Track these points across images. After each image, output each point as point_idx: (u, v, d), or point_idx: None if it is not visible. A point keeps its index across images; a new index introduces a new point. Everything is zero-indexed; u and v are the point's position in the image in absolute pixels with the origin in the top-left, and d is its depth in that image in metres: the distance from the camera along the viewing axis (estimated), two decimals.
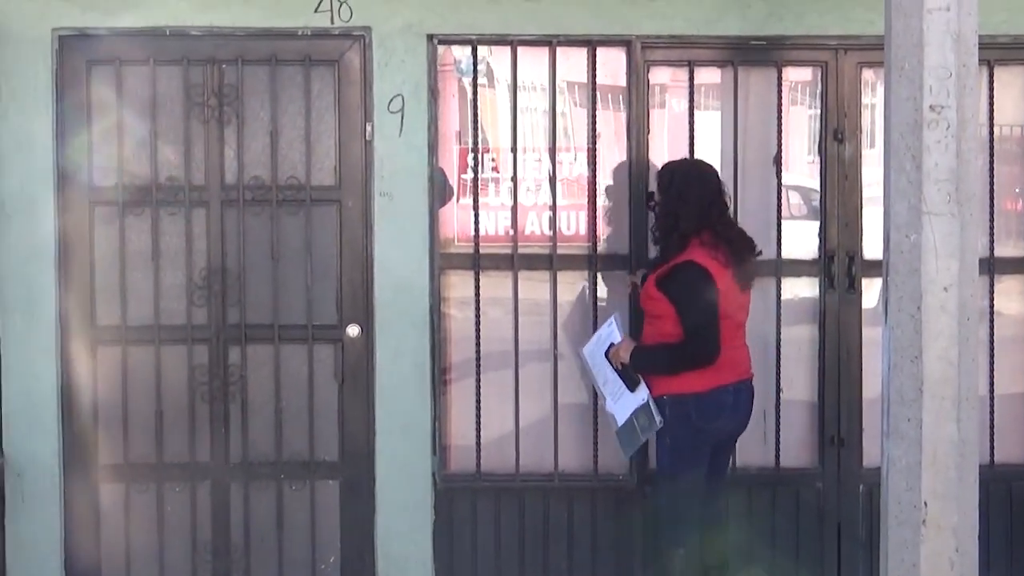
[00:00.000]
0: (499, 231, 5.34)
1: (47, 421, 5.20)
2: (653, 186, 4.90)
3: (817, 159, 5.37)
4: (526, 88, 5.32)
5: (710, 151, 5.30)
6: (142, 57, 5.18)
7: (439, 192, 5.25)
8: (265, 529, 5.31)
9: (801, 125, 5.47)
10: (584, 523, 5.33)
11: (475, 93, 5.29)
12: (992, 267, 5.36)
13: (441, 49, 5.25)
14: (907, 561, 3.86)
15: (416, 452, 5.27)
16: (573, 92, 5.36)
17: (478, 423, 5.33)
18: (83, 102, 5.19)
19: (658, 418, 4.60)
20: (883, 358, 3.95)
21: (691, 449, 4.67)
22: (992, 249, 5.37)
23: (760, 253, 4.86)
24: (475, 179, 5.31)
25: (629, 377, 4.70)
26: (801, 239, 5.41)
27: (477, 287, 5.30)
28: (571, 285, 5.37)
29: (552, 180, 5.30)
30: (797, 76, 5.41)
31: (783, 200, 5.36)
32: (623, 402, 4.74)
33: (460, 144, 5.35)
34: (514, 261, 5.30)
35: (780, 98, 5.31)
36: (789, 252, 5.36)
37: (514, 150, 5.30)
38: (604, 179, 5.33)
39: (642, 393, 4.65)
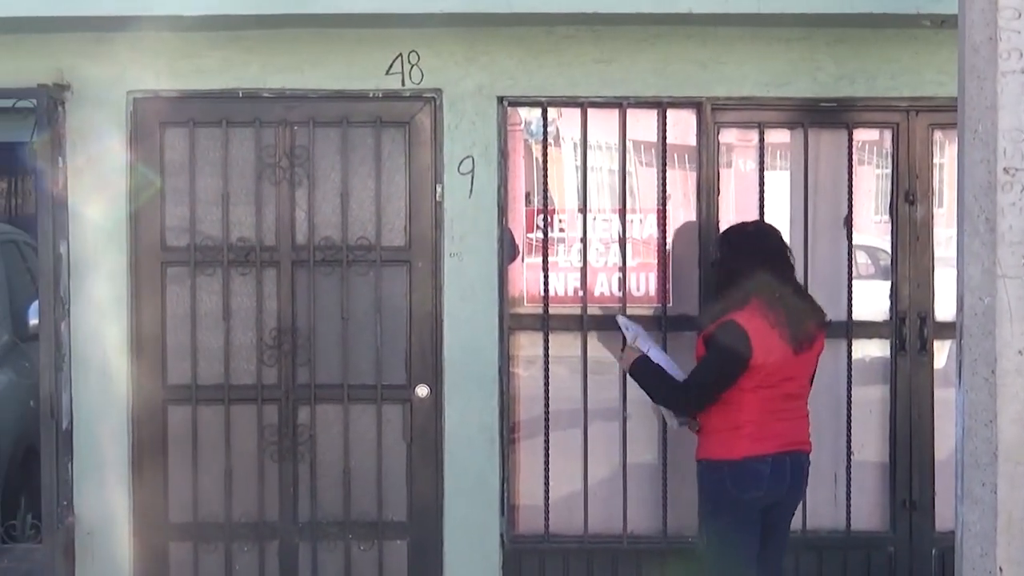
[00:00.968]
0: (567, 291, 5.34)
1: (118, 480, 5.22)
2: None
3: (885, 219, 5.36)
4: (593, 147, 5.34)
5: (779, 212, 5.29)
6: (215, 119, 5.24)
7: (508, 252, 5.27)
8: None
9: (870, 185, 5.46)
10: None
11: (545, 154, 5.31)
12: None
13: (511, 111, 5.28)
14: None
15: (484, 513, 5.26)
16: (640, 152, 5.36)
17: (546, 484, 5.31)
18: (156, 163, 5.25)
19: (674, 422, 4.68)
20: (957, 421, 3.91)
21: (732, 517, 4.47)
22: None
23: (829, 323, 4.66)
24: (544, 239, 5.32)
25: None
26: (871, 300, 5.38)
27: (546, 347, 5.31)
28: None
29: (622, 241, 5.31)
30: (867, 137, 5.41)
31: (853, 261, 5.34)
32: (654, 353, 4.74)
33: (528, 205, 5.36)
34: (583, 321, 5.30)
35: (851, 159, 5.31)
36: (860, 314, 5.33)
37: (583, 210, 5.31)
38: (673, 240, 5.33)
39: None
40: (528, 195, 5.36)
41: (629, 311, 5.25)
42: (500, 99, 5.23)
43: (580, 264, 5.32)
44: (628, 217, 5.32)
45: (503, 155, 5.25)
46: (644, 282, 5.35)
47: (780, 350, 4.39)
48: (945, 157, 5.42)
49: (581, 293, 5.31)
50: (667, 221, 5.31)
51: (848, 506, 5.33)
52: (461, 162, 5.23)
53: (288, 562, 5.30)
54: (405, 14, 4.89)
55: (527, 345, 5.36)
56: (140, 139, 5.24)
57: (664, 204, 5.31)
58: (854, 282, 5.34)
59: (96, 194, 5.20)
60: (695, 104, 5.26)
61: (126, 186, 5.22)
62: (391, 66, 5.22)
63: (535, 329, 5.33)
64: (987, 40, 3.68)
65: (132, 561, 5.26)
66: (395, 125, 5.28)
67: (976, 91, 3.79)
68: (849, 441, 5.32)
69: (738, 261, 4.50)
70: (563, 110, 5.32)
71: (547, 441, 5.31)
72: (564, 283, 5.36)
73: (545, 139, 5.31)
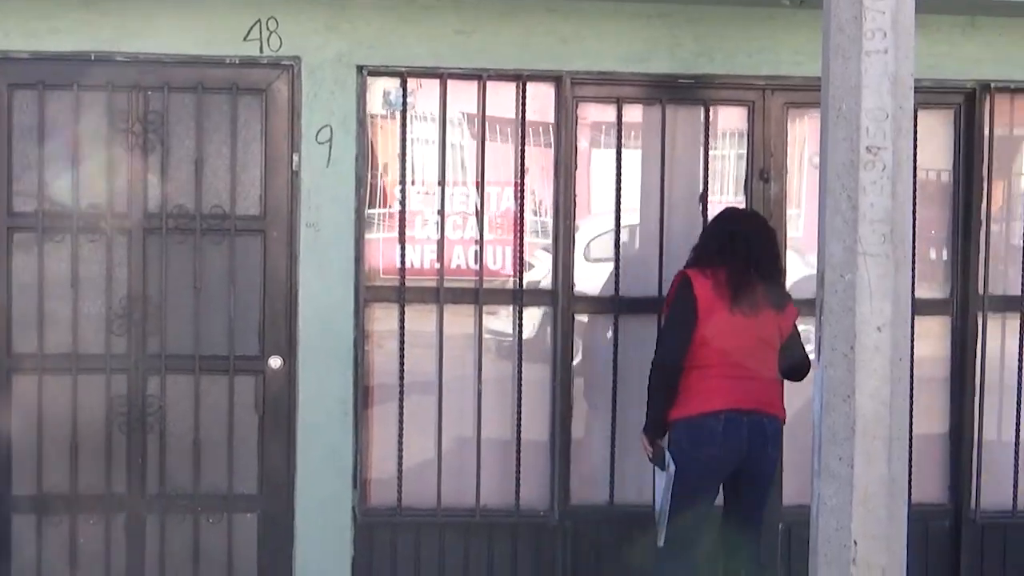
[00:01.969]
0: (424, 264, 5.32)
1: None
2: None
3: (741, 197, 5.41)
4: (453, 120, 5.32)
5: (636, 187, 5.32)
6: (66, 82, 5.11)
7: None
8: (181, 562, 5.22)
9: (727, 163, 5.51)
10: (505, 559, 5.30)
11: (404, 125, 5.27)
12: (913, 308, 5.39)
13: (370, 80, 5.23)
14: None
15: (337, 485, 5.21)
16: (498, 127, 5.35)
17: (400, 457, 5.29)
18: (3, 125, 5.11)
19: (671, 467, 4.66)
20: (815, 396, 3.96)
21: (690, 476, 4.64)
22: (913, 291, 5.41)
23: (785, 304, 4.80)
24: (402, 211, 5.28)
25: (660, 458, 4.73)
26: None
27: (402, 319, 5.27)
28: (495, 317, 5.37)
29: (479, 214, 5.29)
30: (724, 114, 5.45)
31: None
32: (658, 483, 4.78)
33: (387, 176, 5.32)
34: (439, 294, 5.27)
35: (707, 136, 5.35)
36: None
37: (441, 183, 5.28)
38: (531, 213, 5.33)
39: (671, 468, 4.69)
40: (387, 167, 5.32)
41: (485, 284, 5.25)
42: (360, 68, 5.17)
43: (437, 237, 5.29)
44: (486, 190, 5.30)
45: (362, 125, 5.20)
46: (500, 256, 5.34)
47: (721, 309, 4.65)
48: (801, 137, 5.49)
49: (438, 266, 5.29)
50: (524, 195, 5.30)
51: None
52: (319, 131, 5.17)
53: (135, 535, 5.20)
54: None
55: (383, 318, 5.32)
56: None
57: (522, 178, 5.30)
58: None
59: None
60: (555, 78, 5.26)
61: None
62: (249, 32, 5.14)
63: (391, 301, 5.29)
64: (852, 19, 3.71)
65: None
66: (252, 92, 5.20)
67: (840, 70, 3.82)
68: None
69: (704, 235, 4.90)
70: (423, 81, 5.28)
71: (401, 414, 5.28)
72: (421, 255, 5.33)
73: (404, 110, 5.27)
